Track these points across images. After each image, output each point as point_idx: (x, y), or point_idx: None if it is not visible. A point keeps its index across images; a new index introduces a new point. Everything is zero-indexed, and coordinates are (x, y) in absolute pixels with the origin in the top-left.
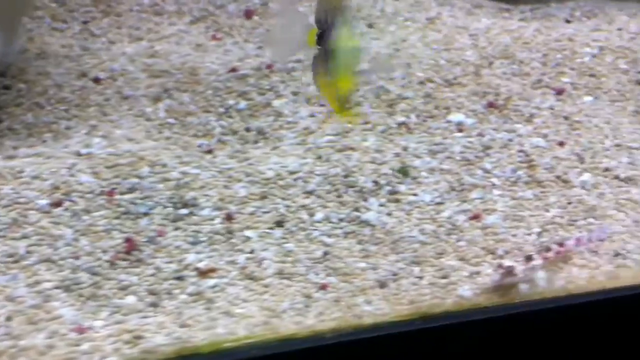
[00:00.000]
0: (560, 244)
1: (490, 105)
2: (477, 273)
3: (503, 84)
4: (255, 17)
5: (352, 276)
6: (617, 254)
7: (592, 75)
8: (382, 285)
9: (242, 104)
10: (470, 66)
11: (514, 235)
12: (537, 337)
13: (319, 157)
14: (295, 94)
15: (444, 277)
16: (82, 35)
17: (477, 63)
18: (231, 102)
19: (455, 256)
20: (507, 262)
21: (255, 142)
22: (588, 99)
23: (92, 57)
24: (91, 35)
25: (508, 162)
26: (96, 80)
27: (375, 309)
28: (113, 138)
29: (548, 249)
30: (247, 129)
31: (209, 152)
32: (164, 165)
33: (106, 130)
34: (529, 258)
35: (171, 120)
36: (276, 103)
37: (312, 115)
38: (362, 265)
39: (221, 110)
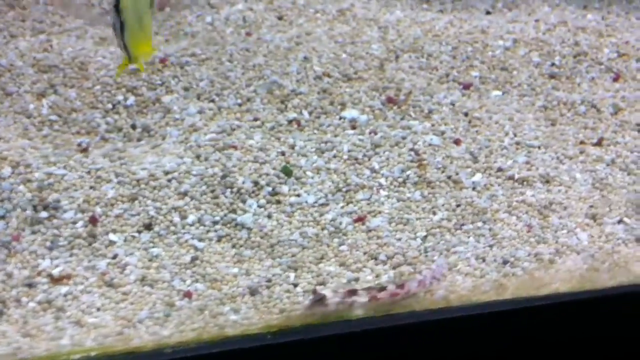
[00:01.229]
0: (400, 286)
1: (390, 100)
2: (356, 280)
3: (407, 79)
4: (167, 9)
5: (222, 283)
6: (505, 262)
7: (503, 69)
8: (253, 292)
9: (131, 99)
10: (375, 60)
11: (398, 240)
12: (407, 351)
13: (198, 157)
14: (186, 89)
15: (321, 283)
16: None
17: (382, 57)
18: (119, 97)
19: (335, 261)
20: (323, 290)
21: (139, 139)
22: (496, 93)
23: None
24: None
25: (397, 162)
26: None
27: (242, 318)
28: None
29: (382, 289)
30: (133, 126)
31: (84, 150)
32: (28, 166)
33: None
34: (352, 292)
35: (53, 117)
36: (166, 99)
37: (200, 112)
38: (234, 270)
39: (109, 106)
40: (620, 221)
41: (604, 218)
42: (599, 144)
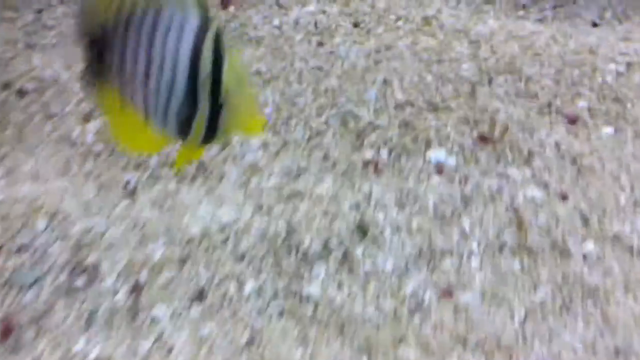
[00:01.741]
0: None
1: (482, 138)
2: None
3: (503, 109)
4: (232, 8)
5: None
6: (618, 352)
7: (615, 100)
8: None
9: None
10: (465, 84)
11: (492, 321)
12: None
13: (260, 207)
14: None
15: None
16: (33, 27)
17: (473, 80)
18: None
19: (417, 344)
20: None
21: (193, 178)
22: (607, 130)
23: (24, 62)
24: (43, 27)
25: (493, 222)
26: (21, 92)
27: None
28: (16, 176)
29: None
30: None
31: (131, 194)
32: (67, 217)
33: (14, 164)
34: None
35: (99, 147)
36: None
37: (263, 146)
38: (298, 354)
39: None
40: None
41: None
42: None
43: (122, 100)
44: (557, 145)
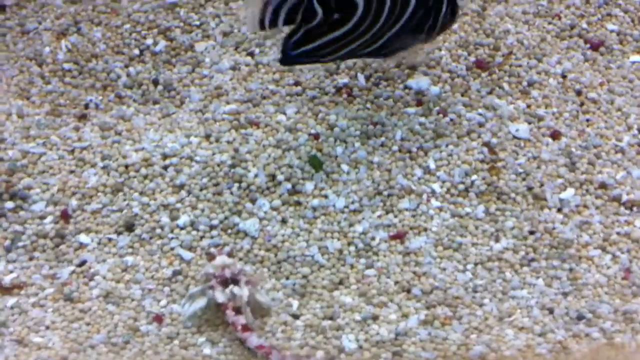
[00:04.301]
0: (266, 348)
1: (479, 64)
2: (375, 318)
3: (514, 31)
4: None
5: None
6: (580, 317)
7: None
8: None
9: (161, 44)
10: (476, 0)
11: (442, 270)
12: None
13: (208, 136)
14: (225, 34)
15: (329, 317)
16: None
17: None
18: (149, 42)
19: (355, 290)
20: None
21: (155, 102)
22: (635, 59)
23: None
24: None
25: (462, 161)
26: (1, 7)
27: (219, 353)
28: None
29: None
30: (155, 82)
31: (82, 117)
32: (2, 141)
33: None
34: (234, 281)
35: (68, 66)
36: (199, 47)
37: (234, 68)
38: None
39: (135, 52)
40: None
41: None
42: None
43: None
44: (564, 75)
